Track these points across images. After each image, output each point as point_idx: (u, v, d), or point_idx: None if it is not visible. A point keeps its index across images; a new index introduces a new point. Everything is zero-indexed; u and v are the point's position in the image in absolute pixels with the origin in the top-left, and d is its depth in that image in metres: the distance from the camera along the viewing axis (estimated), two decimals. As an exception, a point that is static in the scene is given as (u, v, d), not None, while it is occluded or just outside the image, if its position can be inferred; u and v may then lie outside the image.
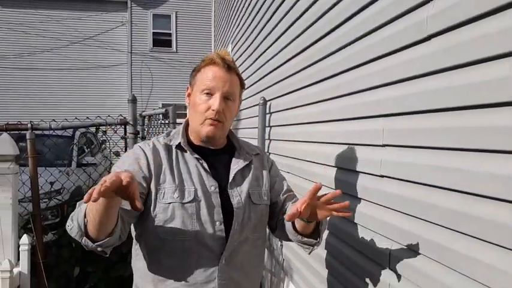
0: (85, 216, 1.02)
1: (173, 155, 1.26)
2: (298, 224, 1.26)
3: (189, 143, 1.31)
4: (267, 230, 1.46)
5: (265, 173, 1.40)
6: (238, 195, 1.27)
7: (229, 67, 1.25)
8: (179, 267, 1.19)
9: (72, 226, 1.06)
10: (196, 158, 1.26)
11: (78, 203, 1.10)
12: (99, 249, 1.07)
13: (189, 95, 1.32)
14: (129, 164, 1.20)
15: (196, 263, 1.19)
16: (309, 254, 1.37)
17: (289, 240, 1.38)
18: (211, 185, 1.24)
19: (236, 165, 1.32)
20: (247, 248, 1.29)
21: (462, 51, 1.03)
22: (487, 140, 0.94)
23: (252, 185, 1.33)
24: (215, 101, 1.22)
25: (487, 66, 0.96)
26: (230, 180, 1.28)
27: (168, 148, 1.27)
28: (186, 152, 1.27)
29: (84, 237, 1.04)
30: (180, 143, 1.27)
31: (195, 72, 1.29)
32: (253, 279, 1.34)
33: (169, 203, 1.18)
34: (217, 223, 1.21)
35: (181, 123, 1.38)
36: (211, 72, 1.23)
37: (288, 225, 1.32)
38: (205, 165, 1.26)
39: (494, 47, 0.92)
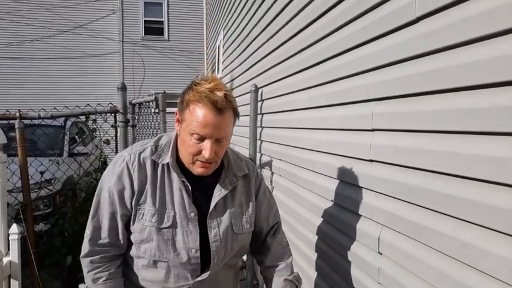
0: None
1: (158, 172, 1.21)
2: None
3: (177, 160, 1.23)
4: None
5: (250, 197, 1.35)
6: (216, 226, 1.24)
7: (221, 110, 1.11)
8: (155, 280, 1.24)
9: None
10: (182, 181, 1.21)
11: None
12: None
13: (178, 120, 1.21)
14: (114, 183, 1.20)
15: (170, 280, 1.23)
16: None
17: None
18: (191, 211, 1.21)
19: (219, 191, 1.25)
20: (223, 272, 1.32)
21: (450, 33, 1.02)
22: (475, 122, 0.93)
23: (235, 214, 1.28)
24: (206, 149, 1.12)
25: (475, 47, 0.95)
26: (210, 210, 1.23)
27: (154, 164, 1.22)
28: (173, 171, 1.22)
29: None
30: (168, 162, 1.21)
31: (183, 104, 1.15)
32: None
33: (147, 226, 1.19)
34: (193, 250, 1.21)
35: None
36: (201, 117, 1.09)
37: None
38: (189, 189, 1.21)
39: (482, 28, 0.91)
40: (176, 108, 1.20)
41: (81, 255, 1.25)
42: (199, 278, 1.23)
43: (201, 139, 1.12)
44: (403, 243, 1.21)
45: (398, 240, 1.24)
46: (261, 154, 3.15)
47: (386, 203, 1.31)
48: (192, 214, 1.20)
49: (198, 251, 1.21)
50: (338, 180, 1.67)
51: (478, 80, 0.92)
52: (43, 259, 3.01)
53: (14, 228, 2.18)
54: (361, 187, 1.47)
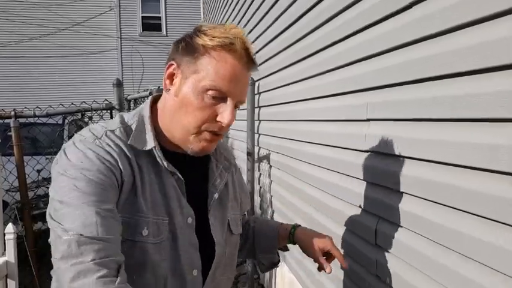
0: None
1: (141, 162, 0.86)
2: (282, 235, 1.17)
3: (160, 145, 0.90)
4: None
5: (242, 187, 1.11)
6: (218, 226, 0.95)
7: (254, 63, 0.86)
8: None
9: None
10: (171, 172, 0.88)
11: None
12: None
13: (172, 75, 0.88)
14: (103, 176, 0.78)
15: None
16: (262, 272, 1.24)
17: (249, 254, 1.22)
18: (189, 215, 0.89)
19: (217, 181, 0.97)
20: (224, 285, 1.01)
21: (446, 16, 0.98)
22: (473, 109, 0.90)
23: (233, 208, 1.02)
24: (228, 113, 0.83)
25: (471, 31, 0.91)
26: (210, 206, 0.94)
27: (134, 151, 0.86)
28: (156, 160, 0.88)
29: None
30: (152, 148, 0.87)
31: (197, 52, 0.83)
32: None
33: (136, 241, 0.83)
34: (195, 271, 0.89)
35: None
36: (230, 67, 0.81)
37: (273, 232, 1.17)
38: (183, 187, 0.90)
39: (478, 11, 0.88)
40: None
41: None
42: None
43: (221, 98, 0.83)
44: (401, 235, 1.19)
45: (395, 232, 1.21)
46: (259, 148, 3.13)
47: (384, 194, 1.28)
48: (190, 219, 0.89)
49: (200, 272, 0.91)
50: (334, 172, 1.65)
51: (476, 64, 0.89)
52: (43, 258, 3.00)
53: (10, 228, 2.15)
54: (357, 178, 1.45)
